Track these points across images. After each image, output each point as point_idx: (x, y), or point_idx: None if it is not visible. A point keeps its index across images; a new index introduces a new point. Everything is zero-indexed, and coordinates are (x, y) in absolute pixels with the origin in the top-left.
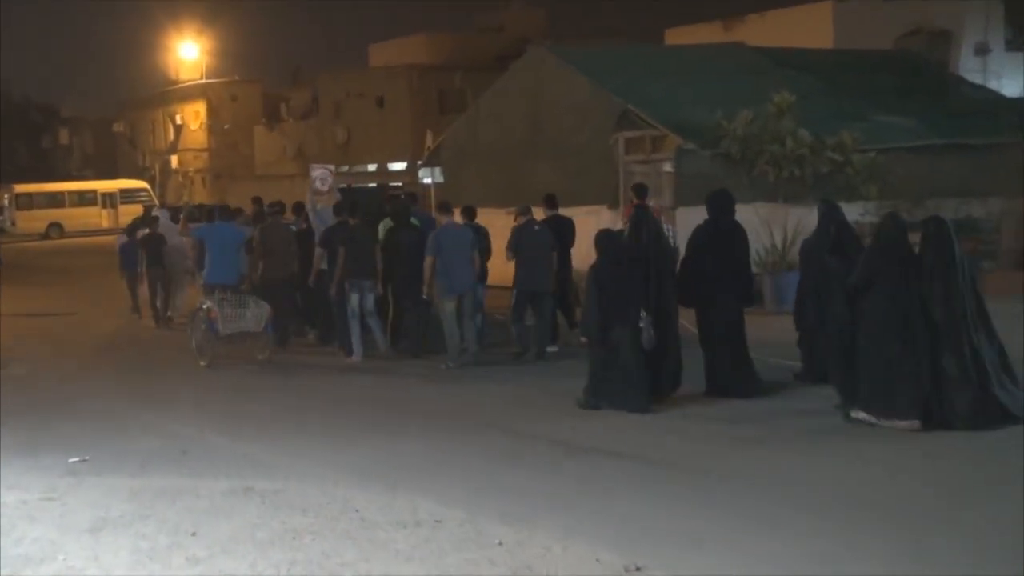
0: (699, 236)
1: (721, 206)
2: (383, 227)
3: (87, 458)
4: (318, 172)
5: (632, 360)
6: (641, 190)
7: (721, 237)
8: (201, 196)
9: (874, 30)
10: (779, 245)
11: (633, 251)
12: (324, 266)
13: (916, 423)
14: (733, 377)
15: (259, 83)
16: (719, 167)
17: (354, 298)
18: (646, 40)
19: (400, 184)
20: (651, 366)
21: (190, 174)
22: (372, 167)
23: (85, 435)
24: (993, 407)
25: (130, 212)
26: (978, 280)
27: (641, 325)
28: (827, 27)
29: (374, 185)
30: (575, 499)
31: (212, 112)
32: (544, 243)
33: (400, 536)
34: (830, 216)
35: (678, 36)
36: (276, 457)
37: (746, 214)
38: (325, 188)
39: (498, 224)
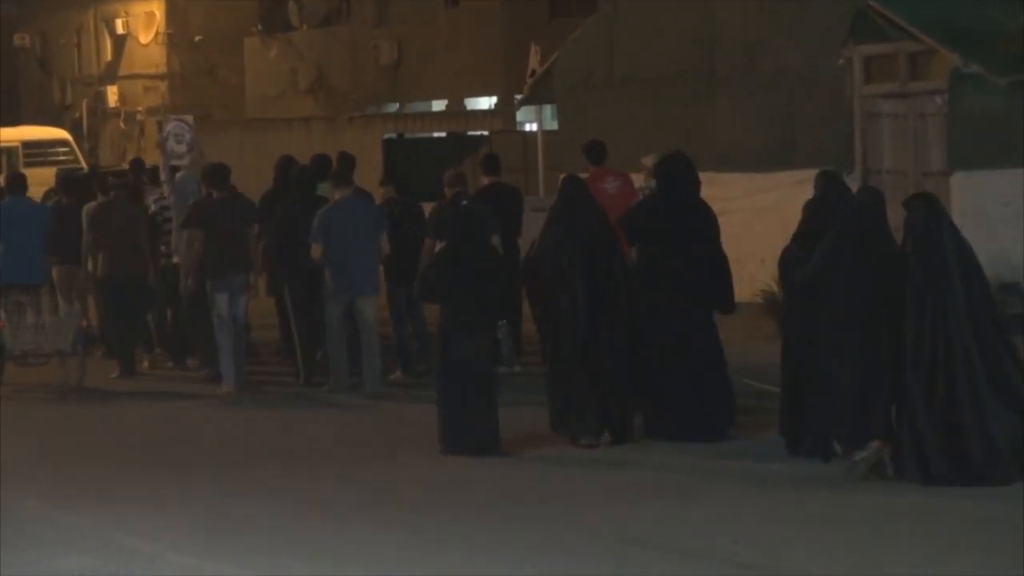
0: (642, 217)
1: (678, 176)
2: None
3: None
4: (172, 126)
5: (479, 385)
6: (596, 150)
7: (679, 220)
8: (156, 153)
9: None
10: None
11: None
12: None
13: (880, 447)
14: (690, 413)
15: None
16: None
17: (221, 300)
18: None
19: (484, 133)
20: (575, 388)
21: (139, 117)
22: (439, 105)
23: None
24: (971, 457)
25: (42, 179)
26: (983, 283)
27: (499, 336)
28: None
29: (443, 135)
30: None
31: (174, 15)
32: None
33: None
34: (828, 191)
35: None
36: None
37: None
38: (183, 148)
39: None
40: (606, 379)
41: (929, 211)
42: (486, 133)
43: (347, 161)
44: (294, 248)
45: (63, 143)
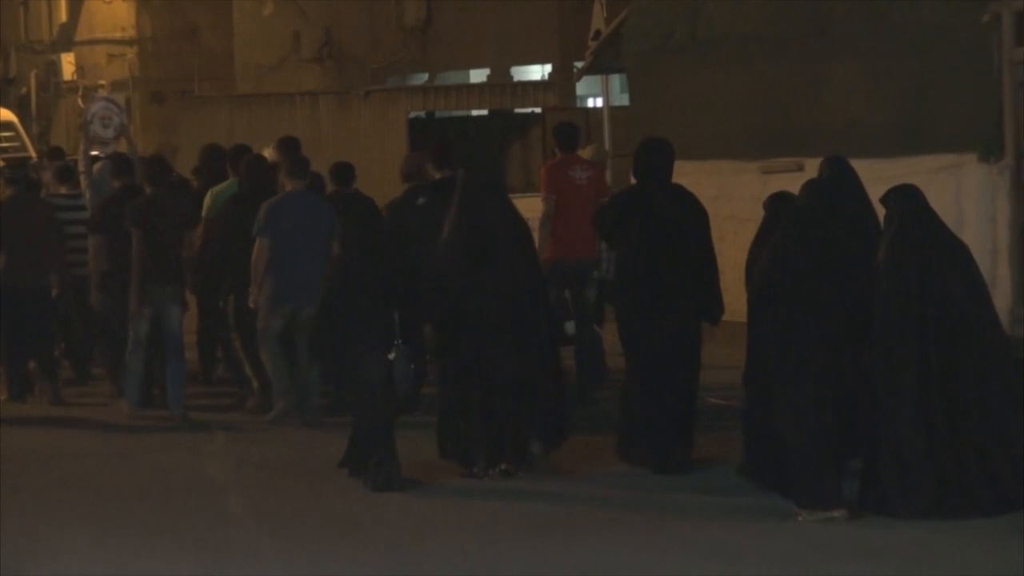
0: (616, 212)
1: (652, 161)
2: (211, 196)
3: None
4: (98, 107)
5: (378, 410)
6: (568, 134)
7: (658, 211)
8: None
9: None
10: None
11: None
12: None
13: (841, 512)
14: (675, 438)
15: None
16: None
17: (141, 317)
18: None
19: (536, 110)
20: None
21: (101, 92)
22: (479, 76)
23: None
24: (959, 490)
25: None
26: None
27: (391, 356)
28: None
29: (484, 113)
30: None
31: None
32: (429, 228)
33: None
34: (836, 183)
35: None
36: None
37: None
38: (109, 133)
39: (746, 191)
40: (503, 399)
41: (909, 206)
42: (538, 110)
43: (296, 144)
44: (239, 249)
45: (7, 126)
